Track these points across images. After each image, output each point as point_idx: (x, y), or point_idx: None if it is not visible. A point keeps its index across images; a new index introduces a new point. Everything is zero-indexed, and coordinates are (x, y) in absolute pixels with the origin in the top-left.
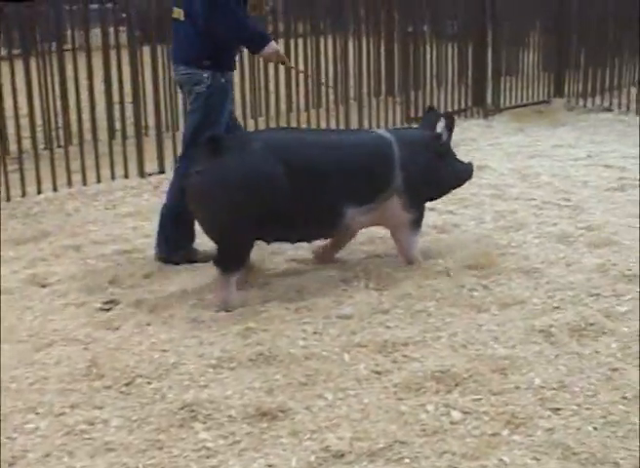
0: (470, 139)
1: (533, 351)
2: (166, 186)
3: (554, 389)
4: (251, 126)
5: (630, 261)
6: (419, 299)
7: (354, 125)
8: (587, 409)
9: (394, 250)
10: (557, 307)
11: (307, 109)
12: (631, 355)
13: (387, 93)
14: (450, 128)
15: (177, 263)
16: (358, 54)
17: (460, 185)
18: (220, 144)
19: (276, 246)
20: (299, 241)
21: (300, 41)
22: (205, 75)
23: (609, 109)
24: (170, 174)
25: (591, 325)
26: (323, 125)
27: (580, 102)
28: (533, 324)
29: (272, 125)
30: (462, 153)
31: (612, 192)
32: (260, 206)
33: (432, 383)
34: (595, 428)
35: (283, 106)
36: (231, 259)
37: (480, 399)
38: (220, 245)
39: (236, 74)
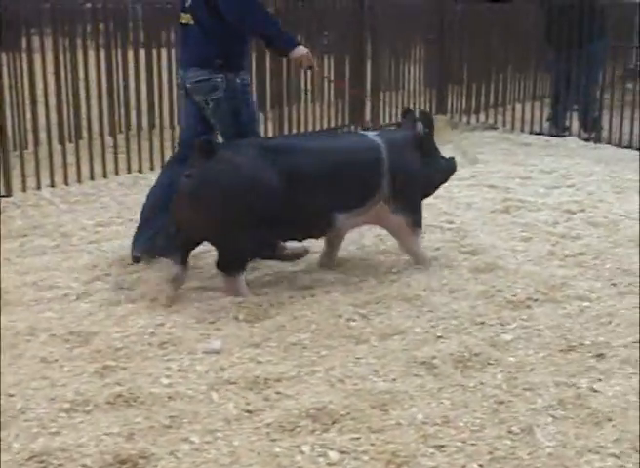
0: None
1: (415, 384)
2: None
3: (438, 424)
4: None
5: (516, 287)
6: (292, 331)
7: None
8: (473, 444)
9: (269, 276)
10: (440, 337)
11: (172, 127)
12: (518, 386)
13: (257, 108)
14: (429, 125)
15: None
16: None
17: (446, 181)
18: (212, 148)
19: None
20: (290, 239)
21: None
22: (219, 80)
23: (493, 127)
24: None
25: (476, 355)
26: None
27: (464, 119)
28: (414, 355)
29: None
30: None
31: (496, 214)
32: (250, 209)
33: (308, 422)
34: (481, 465)
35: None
36: (232, 260)
37: (359, 437)
38: (218, 248)
39: None
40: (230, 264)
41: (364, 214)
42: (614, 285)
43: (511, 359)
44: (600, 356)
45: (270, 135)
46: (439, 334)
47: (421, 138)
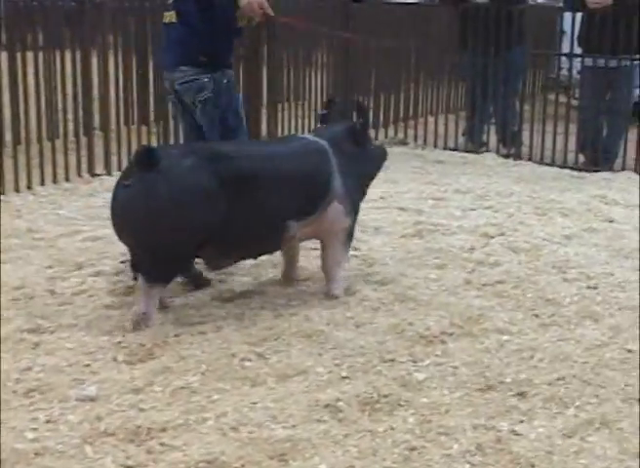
0: None
1: (317, 431)
2: None
3: None
4: None
5: (429, 320)
6: (180, 373)
7: (99, 160)
8: None
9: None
10: (345, 377)
11: (40, 141)
12: (432, 430)
13: (142, 121)
14: (364, 115)
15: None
16: (103, 72)
17: (379, 170)
18: (153, 157)
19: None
20: (241, 259)
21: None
22: (206, 80)
23: (404, 142)
24: None
25: (385, 396)
26: (60, 160)
27: (371, 134)
28: (317, 398)
29: None
30: None
31: (407, 239)
32: (192, 221)
33: None
34: None
35: (8, 137)
36: (159, 271)
37: None
38: (147, 256)
39: None
40: (156, 272)
41: (317, 219)
42: (536, 316)
43: (424, 400)
44: (522, 395)
45: None
46: (344, 374)
47: (358, 131)
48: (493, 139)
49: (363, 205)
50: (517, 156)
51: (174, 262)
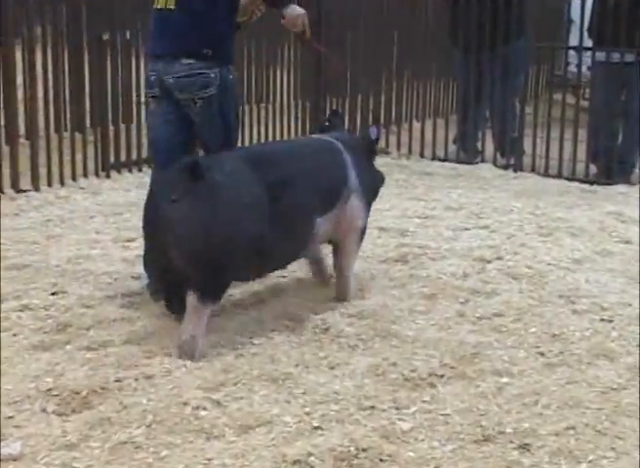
0: None
1: None
2: None
3: None
4: None
5: (415, 360)
6: (122, 425)
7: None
8: None
9: (87, 350)
10: (318, 428)
11: None
12: None
13: (76, 128)
14: (378, 134)
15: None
16: (28, 69)
17: (377, 194)
18: (200, 170)
19: None
20: (274, 269)
21: None
22: (212, 75)
23: (385, 151)
24: None
25: (364, 450)
26: None
27: None
28: (284, 453)
29: None
30: None
31: (390, 265)
32: (247, 233)
33: None
34: None
35: None
36: (214, 288)
37: None
38: (202, 273)
39: None
40: (211, 290)
41: (337, 215)
42: (541, 354)
43: (411, 454)
44: (525, 447)
45: (92, 166)
46: (316, 424)
47: (373, 144)
48: (489, 148)
49: None
50: (518, 167)
51: (228, 277)
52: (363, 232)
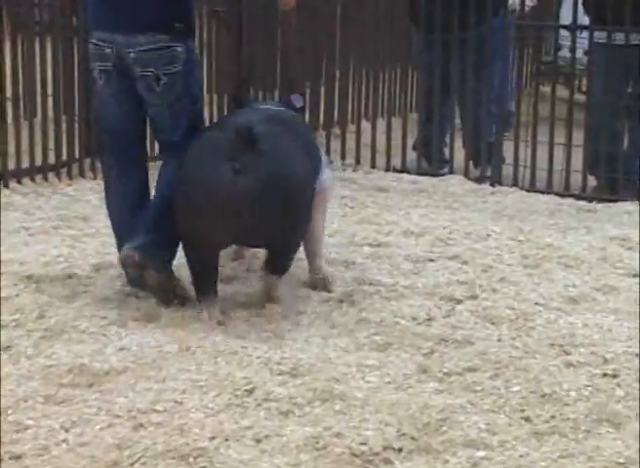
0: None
1: None
2: None
3: None
4: None
5: (366, 429)
6: None
7: None
8: None
9: None
10: None
11: None
12: None
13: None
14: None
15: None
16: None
17: None
18: (255, 136)
19: None
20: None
21: None
22: (179, 49)
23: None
24: None
25: None
26: None
27: None
28: None
29: None
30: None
31: (332, 306)
32: (311, 196)
33: None
34: None
35: None
36: (290, 259)
37: None
38: (282, 249)
39: None
40: (287, 264)
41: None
42: (526, 420)
43: None
44: None
45: None
46: None
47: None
48: (459, 155)
49: None
50: (496, 179)
51: (297, 246)
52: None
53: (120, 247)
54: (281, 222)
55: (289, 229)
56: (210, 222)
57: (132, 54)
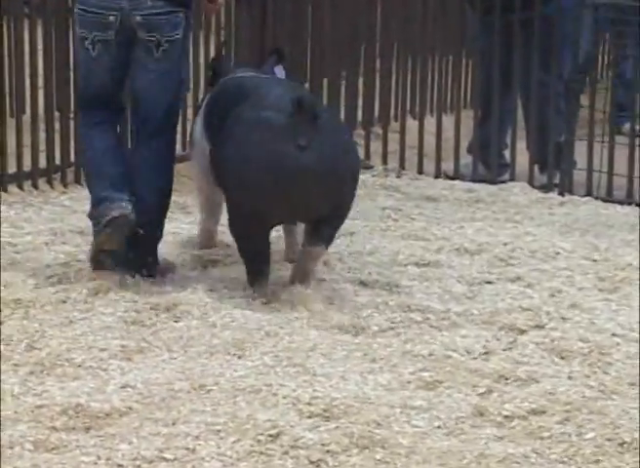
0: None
1: None
2: None
3: None
4: None
5: None
6: None
7: None
8: None
9: None
10: None
11: None
12: None
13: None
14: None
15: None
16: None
17: None
18: (315, 109)
19: None
20: None
21: None
22: (181, 15)
23: (366, 166)
24: None
25: None
26: None
27: None
28: None
29: None
30: None
31: (372, 337)
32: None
33: None
34: None
35: None
36: (337, 231)
37: None
38: (336, 220)
39: None
40: (334, 234)
41: None
42: None
43: None
44: None
45: None
46: None
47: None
48: (522, 159)
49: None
50: (566, 187)
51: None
52: None
53: (99, 190)
54: (342, 195)
55: (347, 201)
56: (275, 201)
57: (138, 17)
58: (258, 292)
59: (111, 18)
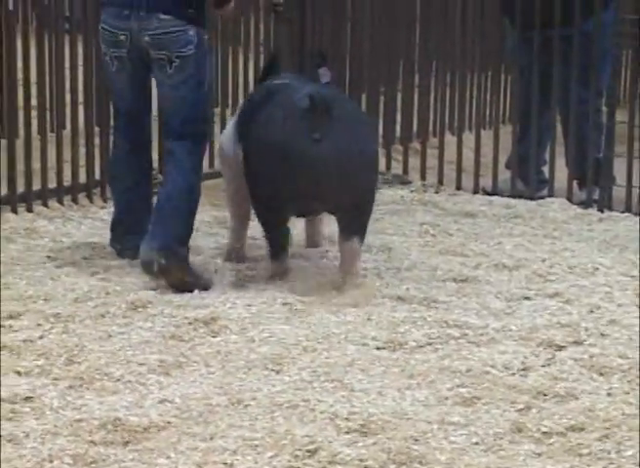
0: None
1: None
2: None
3: None
4: None
5: None
6: None
7: None
8: None
9: None
10: None
11: None
12: None
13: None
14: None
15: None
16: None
17: None
18: (329, 104)
19: None
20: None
21: None
22: (191, 32)
23: (404, 181)
24: None
25: None
26: None
27: None
28: None
29: None
30: None
31: (410, 352)
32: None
33: None
34: None
35: None
36: (367, 224)
37: None
38: (361, 215)
39: None
40: (365, 226)
41: None
42: None
43: None
44: None
45: None
46: None
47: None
48: (561, 175)
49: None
50: (605, 203)
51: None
52: None
53: (121, 232)
54: (356, 185)
55: (365, 191)
56: (289, 191)
57: (146, 37)
58: (275, 269)
59: (122, 37)
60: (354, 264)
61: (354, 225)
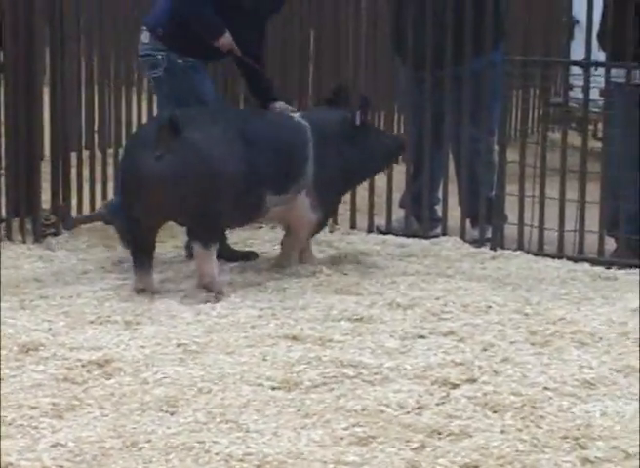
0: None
1: None
2: None
3: None
4: None
5: None
6: None
7: None
8: None
9: None
10: None
11: None
12: None
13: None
14: (364, 107)
15: None
16: None
17: (390, 161)
18: (177, 126)
19: None
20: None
21: None
22: (159, 56)
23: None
24: None
25: None
26: None
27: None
28: None
29: None
30: None
31: (303, 393)
32: (228, 181)
33: None
34: None
35: None
36: (211, 231)
37: None
38: (195, 225)
39: None
40: (207, 236)
41: (286, 202)
42: None
43: None
44: None
45: None
46: None
47: (352, 122)
48: (455, 214)
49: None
50: (497, 242)
51: (220, 219)
52: (318, 228)
53: None
54: (193, 201)
55: (201, 205)
56: (135, 202)
57: (140, 57)
58: (136, 281)
59: (159, 56)
60: (199, 266)
61: (194, 232)
